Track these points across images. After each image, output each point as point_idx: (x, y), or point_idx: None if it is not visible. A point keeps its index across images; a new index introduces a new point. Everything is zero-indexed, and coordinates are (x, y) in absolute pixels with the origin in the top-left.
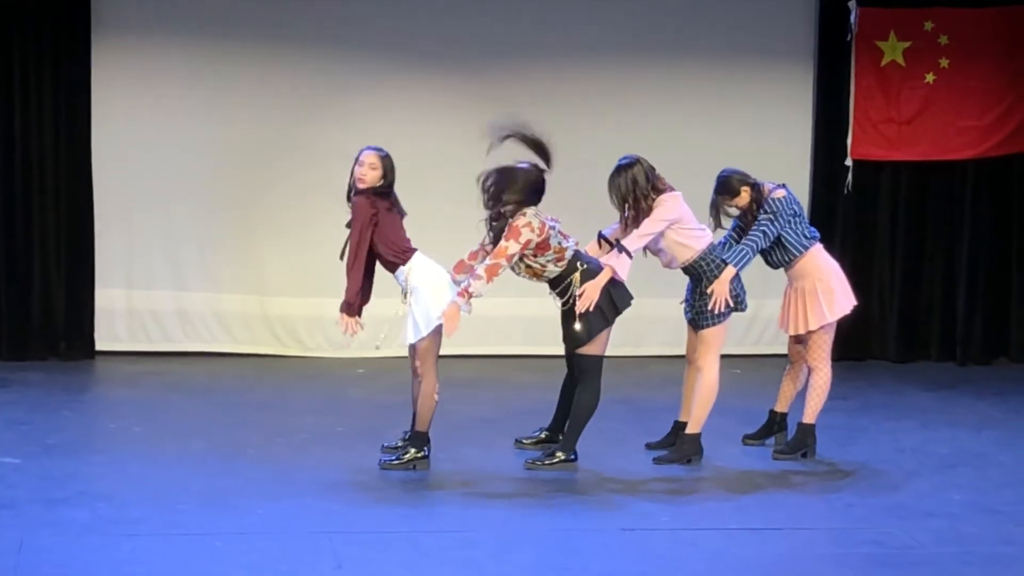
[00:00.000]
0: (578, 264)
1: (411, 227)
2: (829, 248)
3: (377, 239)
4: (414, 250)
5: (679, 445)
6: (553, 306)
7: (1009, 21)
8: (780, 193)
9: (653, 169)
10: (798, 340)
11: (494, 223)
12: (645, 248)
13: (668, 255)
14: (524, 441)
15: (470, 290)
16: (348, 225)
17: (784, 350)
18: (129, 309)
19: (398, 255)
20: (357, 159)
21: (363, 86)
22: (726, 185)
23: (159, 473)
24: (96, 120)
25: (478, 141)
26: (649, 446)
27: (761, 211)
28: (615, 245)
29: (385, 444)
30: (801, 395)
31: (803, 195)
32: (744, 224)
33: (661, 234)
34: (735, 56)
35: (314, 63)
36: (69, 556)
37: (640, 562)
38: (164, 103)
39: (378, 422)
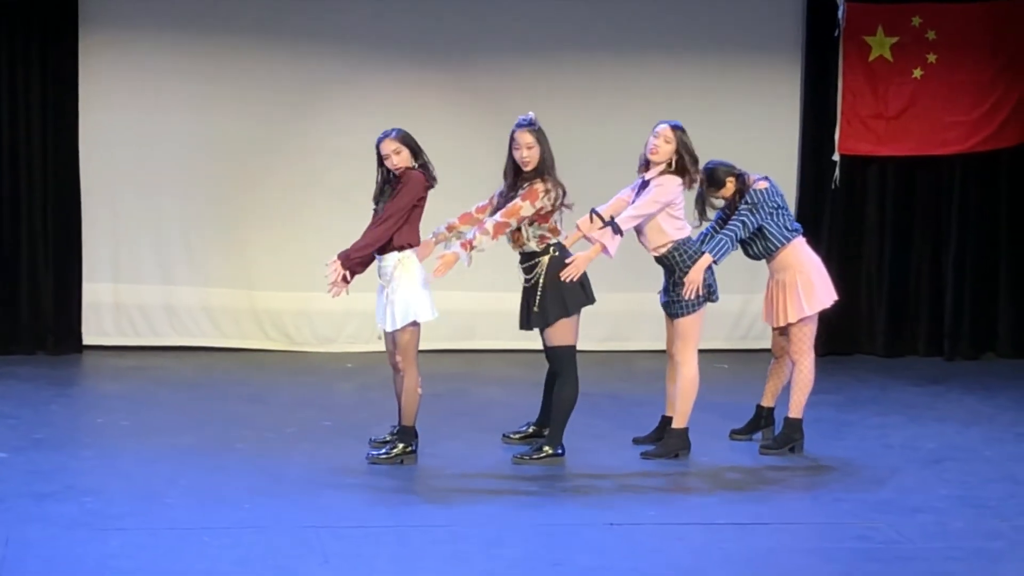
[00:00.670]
0: (551, 249)
1: None
2: (816, 243)
3: (414, 214)
4: (416, 244)
5: (666, 440)
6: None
7: (996, 16)
8: (762, 184)
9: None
10: (781, 333)
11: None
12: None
13: (646, 238)
14: (512, 436)
15: (473, 243)
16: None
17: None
18: (116, 303)
19: (405, 241)
20: (380, 153)
21: (351, 81)
22: (712, 176)
23: (147, 468)
24: (83, 114)
25: (467, 136)
26: (636, 441)
27: (743, 202)
28: (608, 222)
29: (373, 438)
30: (787, 389)
31: (790, 190)
32: (727, 216)
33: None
34: (723, 52)
35: (302, 58)
36: (56, 550)
37: (627, 557)
38: (152, 98)
39: (366, 417)
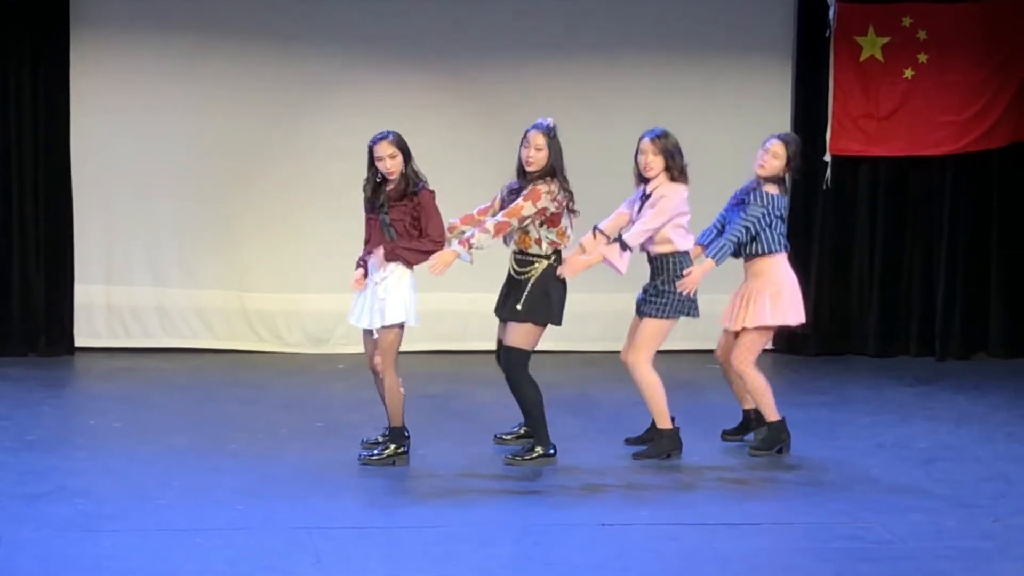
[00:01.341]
0: (552, 256)
1: None
2: (808, 243)
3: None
4: None
5: (657, 441)
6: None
7: (987, 16)
8: (775, 190)
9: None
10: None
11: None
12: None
13: (651, 243)
14: (504, 436)
15: (472, 240)
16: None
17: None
18: (108, 305)
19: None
20: (373, 156)
21: (345, 82)
22: (790, 143)
23: (139, 469)
24: (75, 116)
25: (463, 137)
26: (628, 441)
27: (752, 203)
28: (617, 239)
29: (365, 440)
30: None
31: None
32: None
33: None
34: (715, 52)
35: (294, 59)
36: (49, 551)
37: (620, 557)
38: (143, 99)
39: (357, 418)
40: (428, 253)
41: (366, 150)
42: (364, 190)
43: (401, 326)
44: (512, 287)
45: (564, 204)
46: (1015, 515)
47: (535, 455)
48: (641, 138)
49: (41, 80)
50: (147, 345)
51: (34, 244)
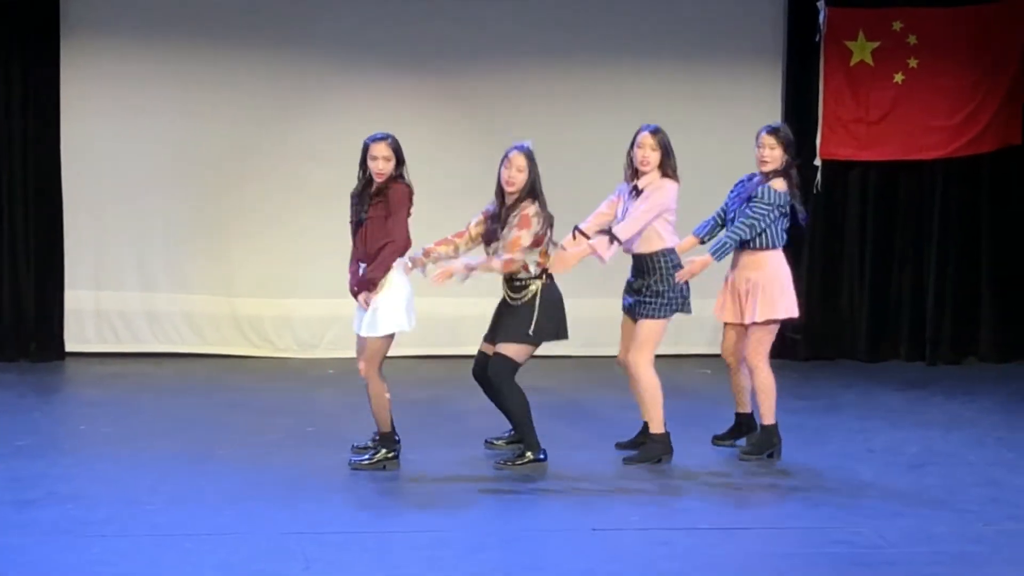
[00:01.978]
0: (544, 275)
1: None
2: (798, 247)
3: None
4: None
5: (648, 445)
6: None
7: (977, 21)
8: (781, 186)
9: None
10: (738, 333)
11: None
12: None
13: (637, 240)
14: (495, 441)
15: (476, 271)
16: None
17: None
18: (98, 310)
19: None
20: (368, 154)
21: (333, 87)
22: (780, 129)
23: (129, 474)
24: (65, 120)
25: (450, 141)
26: (619, 446)
27: (758, 199)
28: (607, 231)
29: (355, 444)
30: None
31: None
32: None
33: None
34: (704, 56)
35: (284, 63)
36: (38, 557)
37: (611, 562)
38: (133, 104)
39: (347, 423)
40: (386, 263)
41: (355, 155)
42: (352, 193)
43: (391, 334)
44: (507, 311)
45: (547, 225)
46: (1006, 520)
47: (526, 460)
48: (639, 131)
49: (31, 85)
50: (137, 350)
51: (24, 249)
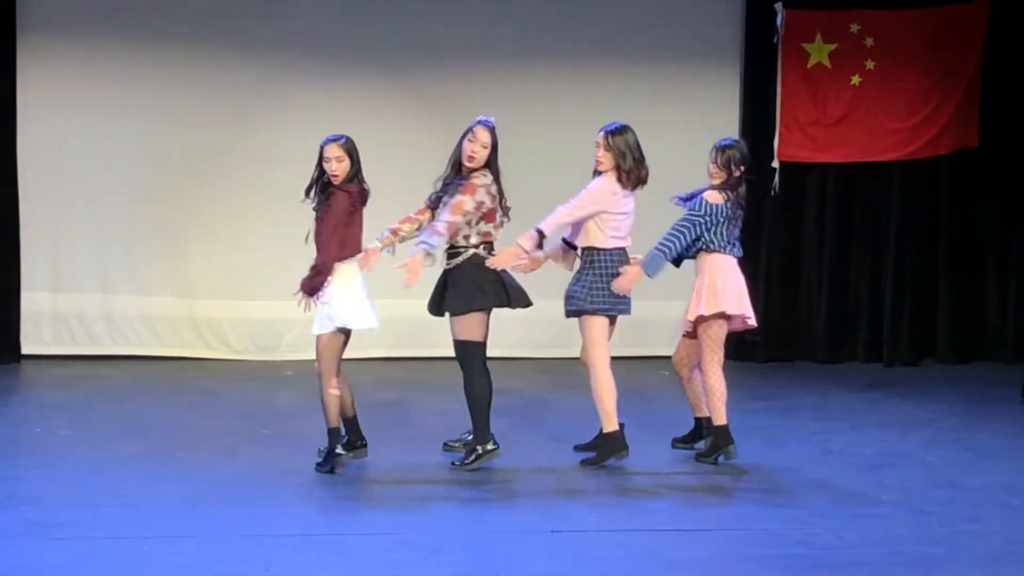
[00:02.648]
0: (482, 247)
1: None
2: (756, 250)
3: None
4: (353, 254)
5: (602, 446)
6: (496, 312)
7: (935, 23)
8: (716, 198)
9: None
10: (690, 339)
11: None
12: None
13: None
14: (452, 444)
15: (433, 249)
16: (318, 216)
17: None
18: (55, 312)
19: (346, 253)
20: (322, 155)
21: (292, 88)
22: (729, 150)
23: (86, 477)
24: (22, 123)
25: (410, 141)
26: (577, 448)
27: (689, 210)
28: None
29: (321, 449)
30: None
31: None
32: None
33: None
34: (662, 58)
35: (242, 66)
36: None
37: (570, 564)
38: (91, 106)
39: (305, 425)
40: (315, 277)
41: (313, 157)
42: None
43: (342, 331)
44: (448, 282)
45: (498, 199)
46: (964, 521)
47: (475, 456)
48: (599, 132)
49: None
50: (94, 352)
51: None
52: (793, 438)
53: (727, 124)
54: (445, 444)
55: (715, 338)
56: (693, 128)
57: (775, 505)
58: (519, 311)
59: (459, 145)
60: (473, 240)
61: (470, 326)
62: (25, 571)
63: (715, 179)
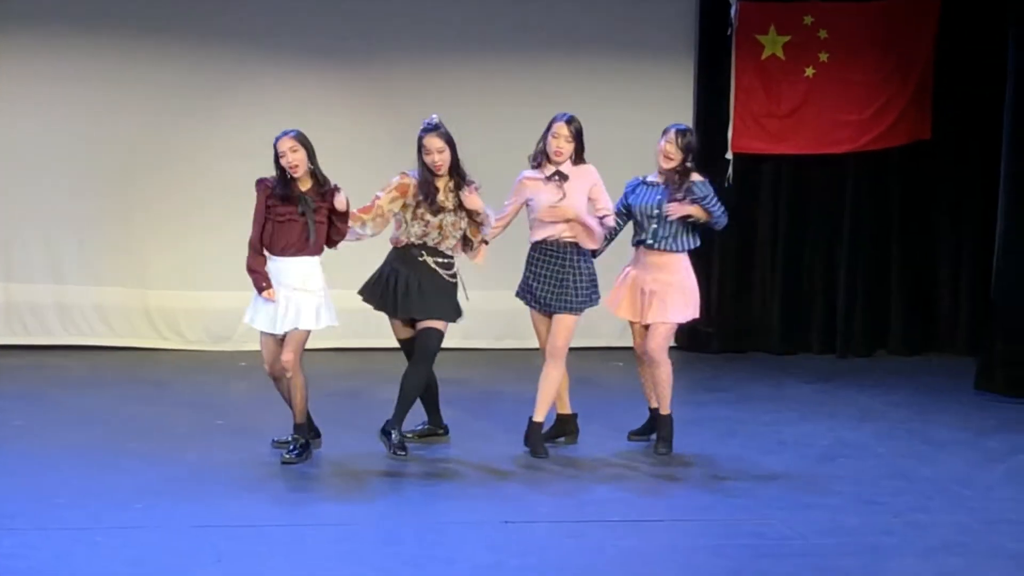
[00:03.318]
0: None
1: None
2: (710, 241)
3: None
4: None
5: (529, 437)
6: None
7: (887, 16)
8: (699, 177)
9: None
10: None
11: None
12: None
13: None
14: (407, 435)
15: (487, 237)
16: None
17: None
18: (7, 302)
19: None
20: (278, 152)
21: (245, 79)
22: (689, 133)
23: (38, 467)
24: None
25: (363, 132)
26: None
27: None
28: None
29: (275, 439)
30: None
31: None
32: (627, 207)
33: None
34: (616, 51)
35: (195, 57)
36: None
37: (522, 554)
38: (42, 96)
39: (259, 415)
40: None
41: (266, 148)
42: (274, 190)
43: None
44: (437, 287)
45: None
46: (915, 511)
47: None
48: (554, 120)
49: None
50: (47, 343)
51: None
52: (746, 429)
53: (681, 115)
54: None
55: (672, 336)
56: (648, 121)
57: (727, 496)
58: (472, 301)
59: (420, 161)
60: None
61: (445, 327)
62: None
63: (671, 162)
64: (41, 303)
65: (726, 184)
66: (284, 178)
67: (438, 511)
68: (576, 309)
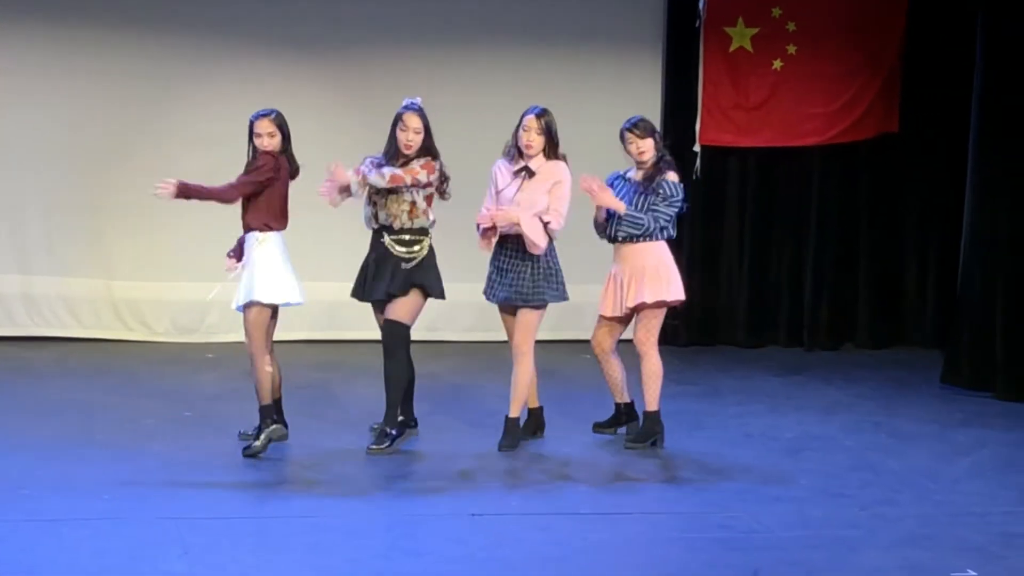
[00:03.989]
0: (429, 233)
1: None
2: (678, 233)
3: (266, 196)
4: (281, 229)
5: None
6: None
7: (855, 9)
8: (674, 177)
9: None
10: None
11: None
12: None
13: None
14: (376, 427)
15: (369, 178)
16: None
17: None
18: None
19: (270, 221)
20: (253, 131)
21: (213, 68)
22: (642, 122)
23: (5, 459)
24: None
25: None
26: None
27: (657, 196)
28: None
29: (242, 431)
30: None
31: None
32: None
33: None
34: (584, 42)
35: (163, 45)
36: None
37: (491, 547)
38: (7, 85)
39: (227, 407)
40: (208, 196)
41: (234, 137)
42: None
43: (267, 306)
44: (395, 267)
45: (444, 184)
46: (881, 504)
47: (389, 440)
48: (525, 114)
49: None
50: (12, 334)
51: None
52: (713, 422)
53: (650, 108)
54: (372, 428)
55: (658, 324)
56: (616, 113)
57: (695, 489)
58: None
59: (392, 136)
60: (428, 222)
61: (415, 308)
62: None
63: (647, 154)
64: (7, 294)
65: (694, 176)
66: (253, 156)
67: (406, 504)
68: (535, 304)
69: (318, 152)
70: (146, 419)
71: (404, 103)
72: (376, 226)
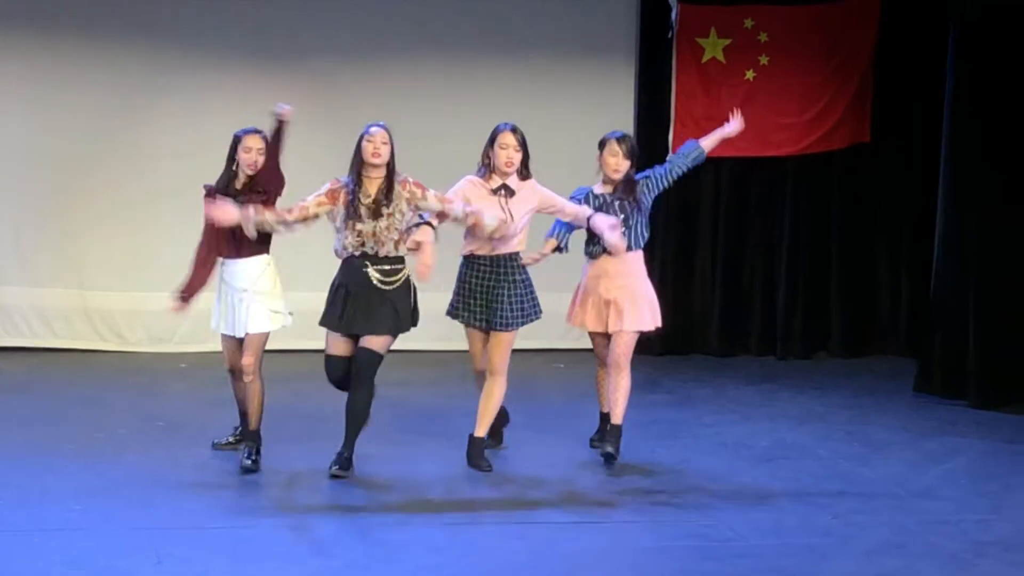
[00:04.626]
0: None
1: None
2: (651, 244)
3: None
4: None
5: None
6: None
7: (827, 19)
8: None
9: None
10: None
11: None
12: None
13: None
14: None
15: (485, 220)
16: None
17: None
18: None
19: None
20: (241, 146)
21: (186, 79)
22: (629, 140)
23: None
24: None
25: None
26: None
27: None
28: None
29: (216, 441)
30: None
31: None
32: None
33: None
34: (557, 53)
35: (137, 54)
36: None
37: (465, 555)
38: None
39: (200, 417)
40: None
41: (207, 147)
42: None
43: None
44: (375, 300)
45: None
46: (854, 512)
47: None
48: (499, 131)
49: None
50: None
51: None
52: (687, 431)
53: (622, 119)
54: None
55: (635, 342)
56: (589, 123)
57: (670, 497)
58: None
59: (358, 153)
60: (402, 251)
61: (388, 342)
62: None
63: (619, 172)
64: None
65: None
66: (231, 173)
67: (381, 513)
68: (513, 326)
69: (295, 164)
70: (119, 429)
71: (368, 126)
72: (357, 254)
